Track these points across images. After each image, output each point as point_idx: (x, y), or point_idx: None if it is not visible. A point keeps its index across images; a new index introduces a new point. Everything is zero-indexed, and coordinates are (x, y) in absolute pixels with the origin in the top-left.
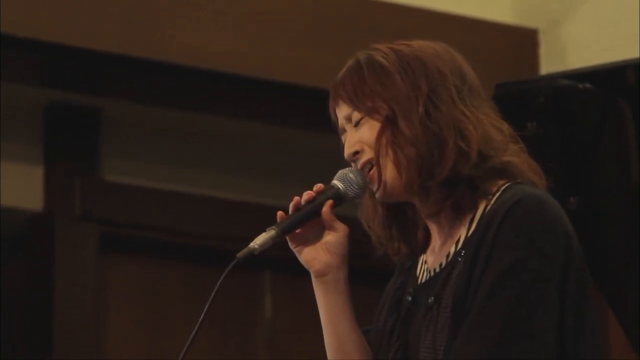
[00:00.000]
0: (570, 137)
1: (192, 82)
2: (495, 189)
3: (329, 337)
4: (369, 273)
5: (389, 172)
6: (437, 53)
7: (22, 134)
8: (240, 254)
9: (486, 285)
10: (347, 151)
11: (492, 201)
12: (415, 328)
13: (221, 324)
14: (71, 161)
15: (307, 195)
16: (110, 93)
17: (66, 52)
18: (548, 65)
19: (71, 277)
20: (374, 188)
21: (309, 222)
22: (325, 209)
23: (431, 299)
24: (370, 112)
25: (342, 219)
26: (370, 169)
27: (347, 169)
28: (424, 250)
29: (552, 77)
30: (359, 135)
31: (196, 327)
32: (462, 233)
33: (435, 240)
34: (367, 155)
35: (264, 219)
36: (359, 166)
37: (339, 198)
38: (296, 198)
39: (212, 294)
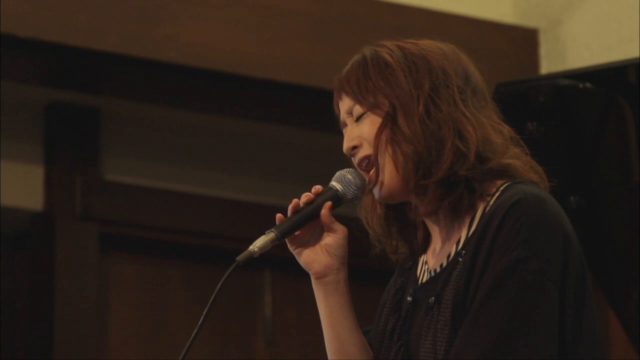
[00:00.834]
0: (571, 136)
1: (193, 81)
2: (494, 189)
3: (330, 338)
4: (366, 271)
5: (388, 170)
6: (444, 53)
7: (22, 133)
8: (239, 257)
9: (486, 284)
10: (346, 145)
11: (492, 201)
12: (416, 328)
13: (221, 322)
14: (71, 160)
15: (305, 197)
16: (111, 93)
17: (67, 51)
18: (548, 64)
19: (71, 277)
20: (373, 187)
21: (308, 224)
22: (324, 211)
23: (432, 299)
24: (372, 108)
25: (339, 218)
26: (368, 164)
27: (345, 170)
28: (424, 250)
29: (553, 77)
30: (359, 129)
31: (196, 329)
32: (463, 234)
33: (436, 241)
34: (366, 150)
35: (265, 219)
36: (356, 161)
37: (337, 199)
38: (295, 200)
39: (212, 297)
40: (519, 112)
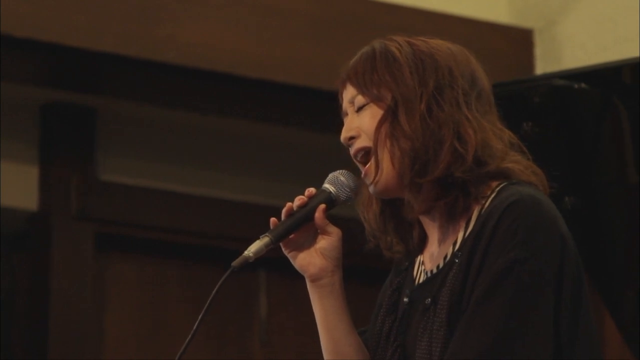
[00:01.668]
0: (566, 136)
1: (189, 81)
2: (488, 191)
3: (326, 340)
4: (363, 270)
5: (384, 164)
6: (452, 54)
7: (18, 133)
8: (235, 263)
9: (482, 285)
10: (344, 134)
11: (487, 202)
12: (412, 329)
13: (217, 324)
14: (67, 160)
15: (299, 200)
16: (107, 93)
17: (63, 51)
18: (544, 65)
19: (68, 277)
20: (369, 181)
21: (302, 228)
22: (318, 214)
23: (428, 300)
24: (374, 100)
25: (334, 219)
26: (363, 156)
27: (338, 171)
28: (421, 251)
29: (548, 77)
30: (359, 120)
31: (190, 334)
32: (459, 235)
33: (432, 242)
34: (363, 142)
35: (263, 219)
36: (352, 152)
37: (331, 202)
38: (288, 204)
39: (208, 302)
40: (514, 113)
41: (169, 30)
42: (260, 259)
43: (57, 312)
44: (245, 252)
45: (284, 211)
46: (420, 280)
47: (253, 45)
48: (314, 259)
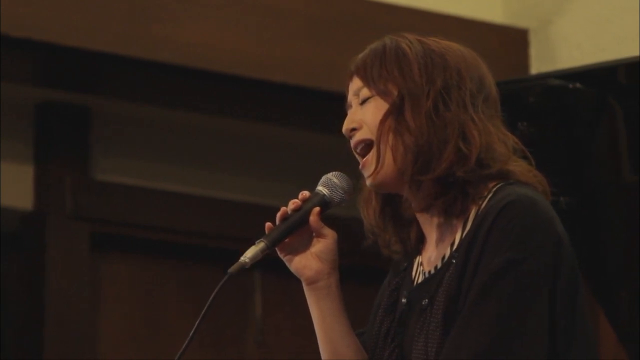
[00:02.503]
0: (562, 136)
1: (184, 81)
2: (486, 192)
3: (323, 342)
4: (361, 269)
5: (387, 158)
6: (462, 55)
7: (12, 133)
8: (231, 269)
9: (477, 285)
10: (346, 126)
11: (484, 203)
12: (410, 330)
13: (212, 324)
14: (62, 160)
15: (293, 204)
16: (102, 92)
17: (57, 51)
18: (539, 65)
19: (62, 276)
20: (367, 173)
21: (297, 231)
22: (313, 217)
23: (425, 301)
24: (379, 93)
25: (330, 219)
26: (363, 148)
27: (331, 173)
28: (419, 252)
29: (543, 77)
30: (362, 113)
31: (187, 340)
32: (457, 235)
33: (431, 243)
34: (364, 134)
35: (259, 218)
36: (352, 144)
37: (325, 204)
38: (283, 208)
39: (205, 309)
40: (509, 113)
41: (166, 30)
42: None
43: (53, 312)
44: (242, 258)
45: (278, 215)
46: (419, 281)
47: (252, 45)
48: (309, 262)
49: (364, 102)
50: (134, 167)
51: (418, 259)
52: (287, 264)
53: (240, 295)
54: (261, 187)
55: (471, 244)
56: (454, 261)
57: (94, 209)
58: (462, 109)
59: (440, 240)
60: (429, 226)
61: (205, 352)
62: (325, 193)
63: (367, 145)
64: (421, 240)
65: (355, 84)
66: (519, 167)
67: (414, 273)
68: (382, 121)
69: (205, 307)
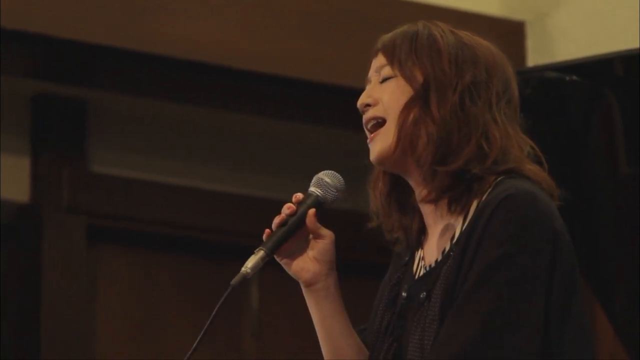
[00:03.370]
0: (558, 129)
1: (180, 73)
2: (487, 185)
3: (324, 342)
4: (361, 265)
5: (402, 143)
6: (493, 55)
7: (9, 125)
8: (234, 281)
9: (472, 278)
10: (361, 100)
11: (485, 196)
12: (408, 324)
13: (208, 316)
14: (58, 152)
15: (288, 209)
16: (98, 84)
17: (54, 43)
18: (535, 57)
19: (59, 269)
20: (374, 148)
21: (294, 235)
22: (309, 219)
23: (423, 295)
24: (404, 75)
25: (330, 212)
26: (374, 125)
27: (323, 173)
28: (420, 245)
29: (540, 69)
30: (380, 91)
31: (194, 345)
32: (457, 229)
33: (432, 236)
34: (378, 111)
35: (253, 211)
36: (364, 120)
37: (319, 205)
38: (278, 216)
39: (209, 320)
40: None
41: (163, 23)
42: (252, 251)
43: (49, 305)
44: (243, 269)
45: (275, 222)
46: (420, 275)
47: (245, 38)
48: (307, 264)
49: (384, 80)
50: (131, 159)
51: (420, 253)
52: (285, 267)
53: (237, 287)
54: (258, 180)
55: (469, 237)
56: (452, 254)
57: (91, 201)
58: (487, 107)
59: (441, 233)
60: (432, 218)
61: (201, 345)
62: (319, 193)
63: (378, 123)
64: (423, 232)
65: (379, 60)
66: (531, 168)
67: (415, 267)
68: (407, 106)
69: (209, 320)
